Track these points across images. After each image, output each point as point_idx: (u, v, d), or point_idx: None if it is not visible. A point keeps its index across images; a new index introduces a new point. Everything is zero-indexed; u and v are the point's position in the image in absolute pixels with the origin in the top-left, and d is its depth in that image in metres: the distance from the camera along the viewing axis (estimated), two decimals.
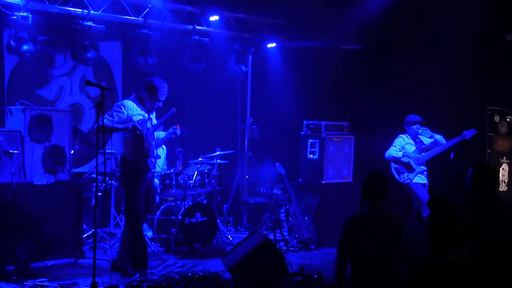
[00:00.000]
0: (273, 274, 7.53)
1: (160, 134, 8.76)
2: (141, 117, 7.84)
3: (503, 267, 5.11)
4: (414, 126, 10.00)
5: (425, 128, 9.95)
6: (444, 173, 10.21)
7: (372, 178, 5.49)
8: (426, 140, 10.06)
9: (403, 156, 9.96)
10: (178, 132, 8.42)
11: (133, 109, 7.81)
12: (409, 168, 9.96)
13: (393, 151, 10.01)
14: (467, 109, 10.87)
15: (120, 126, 7.72)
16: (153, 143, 7.95)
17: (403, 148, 10.03)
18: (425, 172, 10.05)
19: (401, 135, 10.11)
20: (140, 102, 7.92)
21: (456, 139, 9.88)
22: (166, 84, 7.96)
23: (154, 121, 8.12)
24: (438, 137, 10.00)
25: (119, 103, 7.87)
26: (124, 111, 7.74)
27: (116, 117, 7.67)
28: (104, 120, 7.28)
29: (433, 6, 10.84)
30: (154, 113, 8.17)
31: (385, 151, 10.08)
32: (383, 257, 5.28)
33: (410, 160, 9.94)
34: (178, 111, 8.29)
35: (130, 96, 8.01)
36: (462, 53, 10.62)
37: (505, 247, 5.38)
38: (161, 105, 7.99)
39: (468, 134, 9.84)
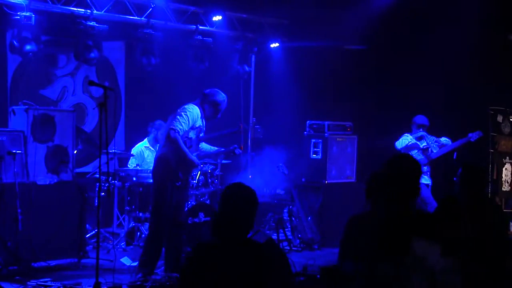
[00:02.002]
0: None
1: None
2: (197, 128, 7.92)
3: (490, 268, 5.12)
4: (419, 129, 10.00)
5: (433, 138, 9.93)
6: (447, 174, 10.19)
7: (375, 177, 5.47)
8: (431, 141, 10.05)
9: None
10: (237, 152, 8.41)
11: (197, 118, 7.88)
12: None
13: (403, 142, 9.97)
14: (470, 109, 10.86)
15: (190, 156, 7.81)
16: (195, 154, 7.98)
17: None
18: (428, 173, 10.04)
19: (405, 134, 10.11)
20: (202, 110, 7.99)
21: (461, 141, 9.87)
22: (225, 96, 8.11)
23: (203, 131, 8.17)
24: (444, 139, 9.99)
25: (187, 111, 7.84)
26: (190, 122, 7.77)
27: (182, 130, 7.72)
28: (178, 136, 7.55)
29: (436, 6, 10.83)
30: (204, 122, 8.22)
31: (389, 152, 10.06)
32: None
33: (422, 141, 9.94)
34: (224, 135, 8.35)
35: (195, 100, 8.03)
36: (465, 53, 10.61)
37: (493, 247, 5.38)
38: (219, 116, 8.10)
39: (473, 136, 9.83)
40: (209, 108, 7.98)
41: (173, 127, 7.62)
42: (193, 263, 3.89)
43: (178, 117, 7.69)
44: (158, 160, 7.90)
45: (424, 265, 3.76)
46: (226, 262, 3.80)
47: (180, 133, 7.63)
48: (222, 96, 8.06)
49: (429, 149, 10.00)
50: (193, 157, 7.86)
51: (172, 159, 7.73)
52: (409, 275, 3.78)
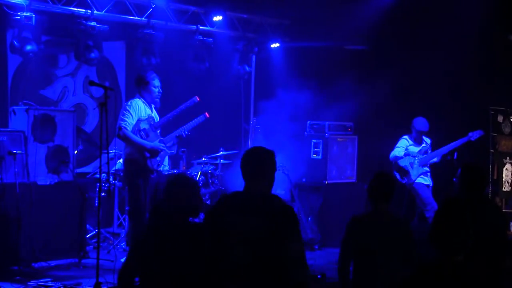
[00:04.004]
0: None
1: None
2: (146, 118, 7.99)
3: (490, 268, 5.12)
4: (418, 134, 9.96)
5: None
6: (447, 174, 10.18)
7: (378, 178, 5.48)
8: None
9: (405, 155, 9.92)
10: (184, 134, 8.40)
11: (141, 108, 8.00)
12: (406, 172, 9.93)
13: (397, 151, 9.97)
14: (471, 109, 10.85)
15: (148, 144, 7.89)
16: (156, 142, 8.04)
17: (406, 149, 10.01)
18: (428, 173, 10.02)
19: (404, 136, 10.08)
20: (143, 99, 8.11)
21: (462, 140, 9.85)
22: (153, 72, 8.25)
23: (156, 118, 8.21)
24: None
25: (127, 106, 8.01)
26: (133, 115, 7.88)
27: (128, 124, 7.82)
28: (126, 131, 7.71)
29: (437, 6, 10.83)
30: (155, 110, 8.30)
31: (389, 152, 10.06)
32: (386, 257, 5.26)
33: (414, 158, 9.89)
34: (181, 112, 8.35)
35: (135, 96, 8.18)
36: (466, 53, 10.60)
37: (493, 247, 5.38)
38: (160, 95, 8.19)
39: (474, 135, 9.81)
40: (145, 92, 8.14)
41: (119, 126, 7.86)
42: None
43: (120, 116, 7.96)
44: (126, 162, 8.08)
45: None
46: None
47: (129, 128, 7.83)
48: (149, 75, 8.18)
49: (428, 151, 10.00)
50: (152, 144, 8.01)
51: (138, 156, 7.91)
52: None
